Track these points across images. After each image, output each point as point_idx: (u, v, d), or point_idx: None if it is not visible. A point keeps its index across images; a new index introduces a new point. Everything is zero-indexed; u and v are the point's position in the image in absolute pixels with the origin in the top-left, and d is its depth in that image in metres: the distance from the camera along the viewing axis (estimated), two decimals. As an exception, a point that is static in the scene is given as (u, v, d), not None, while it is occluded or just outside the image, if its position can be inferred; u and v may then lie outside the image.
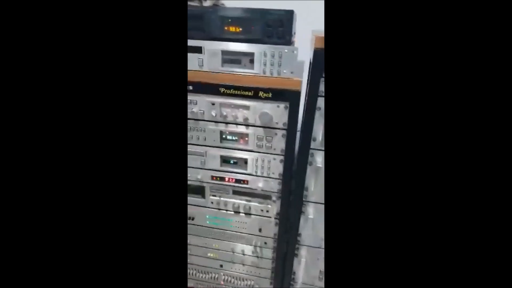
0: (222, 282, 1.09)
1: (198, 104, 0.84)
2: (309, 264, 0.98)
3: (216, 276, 1.08)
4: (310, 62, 0.85)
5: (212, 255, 1.05)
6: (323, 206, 0.89)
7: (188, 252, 1.06)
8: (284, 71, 0.76)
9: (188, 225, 1.01)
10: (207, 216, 0.98)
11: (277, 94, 0.78)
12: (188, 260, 1.08)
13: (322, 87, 0.75)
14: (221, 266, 1.06)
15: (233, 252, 1.02)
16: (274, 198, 0.91)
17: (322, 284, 1.00)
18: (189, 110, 0.85)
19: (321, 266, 0.98)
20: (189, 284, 1.13)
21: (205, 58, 0.79)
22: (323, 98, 0.76)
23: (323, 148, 0.81)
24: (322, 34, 0.71)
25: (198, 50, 0.78)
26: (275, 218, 0.94)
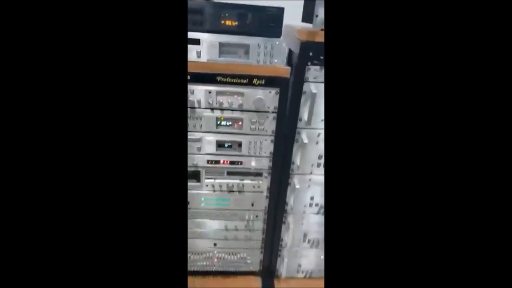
0: (215, 260, 1.17)
1: (195, 93, 0.89)
2: (295, 229, 1.13)
3: (210, 255, 1.15)
4: (290, 51, 0.97)
5: (206, 235, 1.12)
6: (307, 176, 1.04)
7: (183, 236, 1.11)
8: (275, 60, 0.88)
9: (184, 210, 1.06)
10: (202, 199, 1.05)
11: (269, 81, 0.89)
12: (182, 245, 1.13)
13: (307, 74, 0.89)
14: (215, 244, 1.14)
15: (227, 229, 1.11)
16: (265, 174, 1.03)
17: (305, 245, 1.17)
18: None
19: (304, 229, 1.14)
20: (183, 268, 1.17)
21: (203, 50, 0.85)
22: (308, 83, 0.90)
23: (308, 127, 0.96)
24: (306, 29, 0.85)
25: (197, 42, 0.84)
26: (266, 193, 1.06)
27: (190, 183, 1.02)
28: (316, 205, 1.09)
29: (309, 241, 1.16)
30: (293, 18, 0.94)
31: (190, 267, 1.17)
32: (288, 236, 1.13)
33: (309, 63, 0.88)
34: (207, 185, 1.03)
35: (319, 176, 1.05)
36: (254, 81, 0.89)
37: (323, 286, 1.18)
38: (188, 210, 1.06)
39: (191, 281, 1.18)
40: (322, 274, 1.24)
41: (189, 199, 1.04)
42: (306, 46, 0.86)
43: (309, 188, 1.06)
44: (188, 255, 1.15)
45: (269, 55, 0.87)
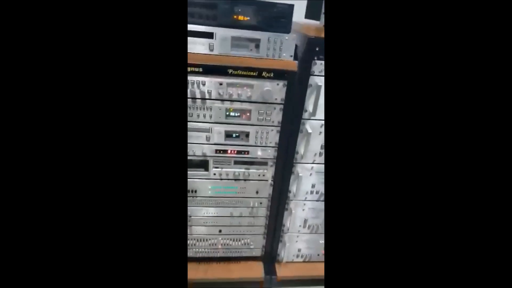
0: (220, 246, 1.22)
1: (207, 85, 0.93)
2: (296, 215, 1.20)
3: (215, 242, 1.20)
4: (296, 46, 1.02)
5: (212, 222, 1.16)
6: (309, 165, 1.10)
7: (189, 223, 1.15)
8: (284, 54, 0.93)
9: (191, 198, 1.10)
10: (210, 187, 1.09)
11: (277, 74, 0.94)
12: (188, 231, 1.17)
13: (313, 68, 0.95)
14: (220, 231, 1.19)
15: (232, 216, 1.16)
16: (270, 163, 1.08)
17: (305, 230, 1.24)
18: (197, 90, 0.93)
19: (304, 215, 1.20)
20: (188, 254, 1.21)
21: (216, 43, 0.89)
22: (313, 77, 0.96)
23: (312, 118, 1.02)
24: (314, 25, 0.90)
25: (210, 35, 0.87)
26: (271, 181, 1.11)
27: (198, 172, 1.06)
28: (317, 192, 1.16)
29: (309, 226, 1.23)
30: (295, 14, 0.99)
31: (196, 254, 1.22)
32: (290, 222, 1.20)
33: (315, 58, 0.93)
34: (214, 174, 1.07)
35: (320, 165, 1.11)
36: (263, 73, 0.93)
37: (321, 270, 1.25)
38: (196, 198, 1.10)
39: (195, 266, 1.23)
40: (320, 258, 1.31)
41: (196, 187, 1.08)
42: (313, 42, 0.91)
43: (311, 176, 1.12)
44: (194, 241, 1.19)
45: (278, 49, 0.92)
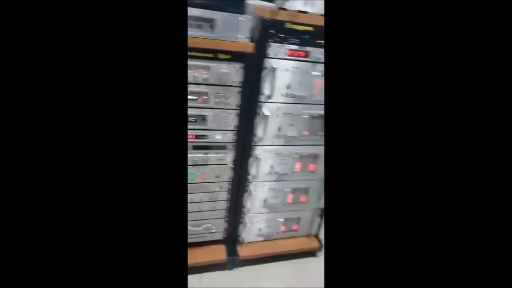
0: (181, 233, 1.20)
1: (160, 67, 0.88)
2: (255, 196, 1.23)
3: (176, 229, 1.18)
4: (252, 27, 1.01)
5: (172, 210, 1.14)
6: (268, 147, 1.13)
7: (148, 213, 1.11)
8: (240, 36, 0.92)
9: (149, 186, 1.05)
10: (168, 174, 1.06)
11: (234, 56, 0.93)
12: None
13: (268, 50, 0.95)
14: (181, 218, 1.17)
15: (192, 202, 1.15)
16: (230, 147, 1.08)
17: (265, 210, 1.28)
18: (150, 73, 0.88)
19: (264, 195, 1.24)
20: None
21: (168, 22, 0.84)
22: (269, 59, 0.97)
23: (269, 100, 1.04)
24: (269, 7, 0.91)
25: (161, 13, 0.82)
26: (231, 165, 1.12)
27: (155, 159, 1.02)
28: (276, 173, 1.20)
29: (268, 206, 1.27)
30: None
31: (156, 243, 1.18)
32: (250, 203, 1.23)
33: (270, 40, 0.94)
34: (172, 160, 1.04)
35: (278, 147, 1.14)
36: (219, 55, 0.91)
37: (281, 246, 1.31)
38: (154, 186, 1.06)
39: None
40: (280, 235, 1.37)
41: (154, 175, 1.04)
42: (268, 24, 0.91)
43: (270, 158, 1.15)
44: (154, 231, 1.15)
45: (234, 30, 0.90)
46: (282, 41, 0.95)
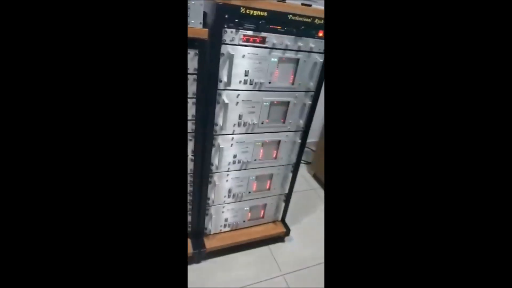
0: (143, 230, 1.15)
1: (107, 54, 0.82)
2: (220, 186, 1.21)
3: (137, 226, 1.13)
4: (205, 13, 0.98)
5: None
6: (229, 136, 1.11)
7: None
8: (192, 21, 0.88)
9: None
10: (125, 169, 1.00)
11: (188, 43, 0.89)
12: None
13: (224, 36, 0.93)
14: (142, 214, 1.12)
15: (153, 197, 1.10)
16: (189, 137, 1.05)
17: (230, 200, 1.27)
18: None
19: (228, 185, 1.23)
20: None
21: (113, 5, 0.78)
22: (225, 46, 0.94)
23: (228, 88, 1.02)
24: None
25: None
26: (191, 156, 1.09)
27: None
28: (239, 162, 1.19)
29: (233, 195, 1.26)
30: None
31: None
32: (215, 194, 1.21)
33: (225, 26, 0.92)
34: (128, 154, 0.98)
35: (240, 135, 1.13)
36: (172, 42, 0.87)
37: (247, 234, 1.32)
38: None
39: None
40: (246, 224, 1.38)
41: (109, 171, 0.98)
42: (222, 8, 0.88)
43: (232, 147, 1.14)
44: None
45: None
46: (237, 26, 0.93)
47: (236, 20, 0.92)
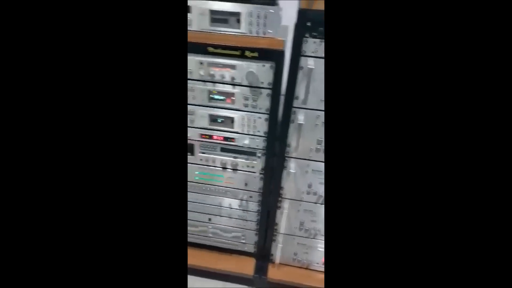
0: (210, 235, 1.18)
1: (188, 63, 0.87)
2: (291, 215, 1.07)
3: (205, 229, 1.17)
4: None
5: (200, 209, 1.13)
6: (303, 161, 0.97)
7: (179, 207, 1.14)
8: (269, 30, 0.81)
9: (179, 181, 1.08)
10: (196, 172, 1.05)
11: (263, 54, 0.82)
12: (179, 215, 1.16)
13: (304, 47, 0.80)
14: (210, 219, 1.14)
15: (221, 206, 1.10)
16: (259, 154, 0.98)
17: (302, 233, 1.11)
18: (178, 69, 0.88)
19: (301, 217, 1.07)
20: (179, 237, 1.21)
21: (194, 18, 0.82)
22: (306, 58, 0.81)
23: (305, 107, 0.88)
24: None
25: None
26: (260, 173, 1.02)
27: (184, 156, 1.03)
28: (315, 193, 1.01)
29: (306, 230, 1.09)
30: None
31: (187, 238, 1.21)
32: (284, 222, 1.08)
33: (306, 35, 0.79)
34: (201, 159, 1.02)
35: (318, 163, 0.96)
36: (246, 53, 0.83)
37: (318, 280, 1.12)
38: (183, 182, 1.08)
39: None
40: (319, 267, 1.17)
41: (183, 171, 1.05)
42: (304, 15, 0.76)
43: (307, 174, 0.98)
44: (184, 226, 1.17)
45: (263, 24, 0.80)
46: (321, 36, 0.78)
47: (321, 29, 0.78)
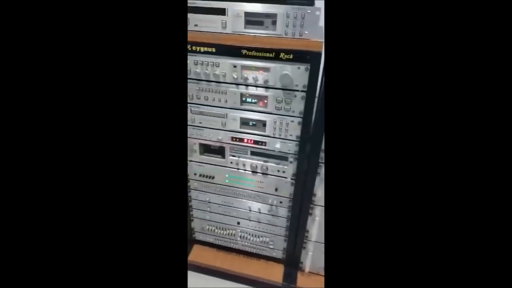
0: (238, 238, 1.16)
1: (220, 67, 0.87)
2: (322, 223, 1.03)
3: (233, 233, 1.16)
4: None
5: (229, 212, 1.12)
6: (338, 167, 0.93)
7: (208, 209, 1.14)
8: (306, 32, 0.78)
9: (208, 184, 1.08)
10: (226, 175, 1.04)
11: (298, 56, 0.80)
12: (208, 217, 1.16)
13: (342, 49, 0.76)
14: (238, 223, 1.13)
15: (250, 210, 1.09)
16: (291, 159, 0.96)
17: (333, 242, 1.06)
18: (211, 72, 0.88)
19: (333, 225, 1.03)
20: (208, 239, 1.21)
21: (229, 20, 0.81)
22: (343, 60, 0.78)
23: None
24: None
25: (222, 12, 0.80)
26: (291, 179, 0.99)
27: (215, 158, 1.03)
28: (348, 201, 0.97)
29: (338, 239, 1.05)
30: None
31: (215, 240, 1.20)
32: (315, 229, 1.05)
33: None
34: (231, 162, 1.01)
35: (353, 169, 0.91)
36: (281, 55, 0.80)
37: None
38: (212, 184, 1.07)
39: (214, 253, 1.22)
40: (351, 278, 1.11)
41: (213, 173, 1.05)
42: (343, 15, 0.73)
43: (341, 181, 0.94)
44: (213, 228, 1.17)
45: (299, 25, 0.77)
46: (361, 36, 0.74)
47: (361, 29, 0.73)
